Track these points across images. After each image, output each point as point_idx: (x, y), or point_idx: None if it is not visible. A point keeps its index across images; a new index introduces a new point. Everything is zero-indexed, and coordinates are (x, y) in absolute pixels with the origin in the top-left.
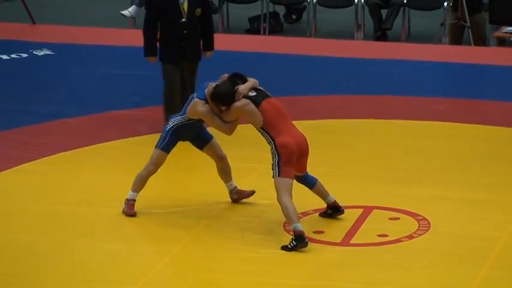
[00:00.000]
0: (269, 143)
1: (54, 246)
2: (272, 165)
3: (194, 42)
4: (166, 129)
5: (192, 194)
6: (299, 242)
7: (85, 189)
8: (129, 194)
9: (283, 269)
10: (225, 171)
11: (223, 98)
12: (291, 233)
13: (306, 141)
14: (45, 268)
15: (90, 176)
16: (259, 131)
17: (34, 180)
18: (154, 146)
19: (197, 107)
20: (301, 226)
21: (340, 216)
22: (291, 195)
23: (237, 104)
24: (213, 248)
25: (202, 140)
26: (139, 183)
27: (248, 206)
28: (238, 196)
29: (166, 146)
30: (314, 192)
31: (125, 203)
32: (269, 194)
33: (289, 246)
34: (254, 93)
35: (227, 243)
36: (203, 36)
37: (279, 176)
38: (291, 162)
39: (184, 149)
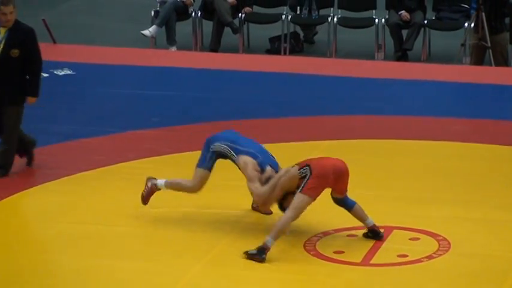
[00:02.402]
0: (306, 174)
1: (72, 266)
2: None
3: (9, 85)
4: (212, 150)
5: (212, 211)
6: (259, 254)
7: (105, 209)
8: (159, 182)
9: None
10: None
11: None
12: (312, 253)
13: (344, 164)
14: (64, 287)
15: (109, 196)
16: (300, 176)
17: (53, 199)
18: (176, 165)
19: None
20: (272, 245)
21: (359, 237)
22: (298, 215)
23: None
24: (233, 267)
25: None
26: (176, 187)
27: (267, 226)
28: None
29: (209, 165)
30: (352, 214)
31: (147, 185)
32: None
33: (249, 252)
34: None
35: (247, 263)
36: (28, 81)
37: (300, 191)
38: (319, 182)
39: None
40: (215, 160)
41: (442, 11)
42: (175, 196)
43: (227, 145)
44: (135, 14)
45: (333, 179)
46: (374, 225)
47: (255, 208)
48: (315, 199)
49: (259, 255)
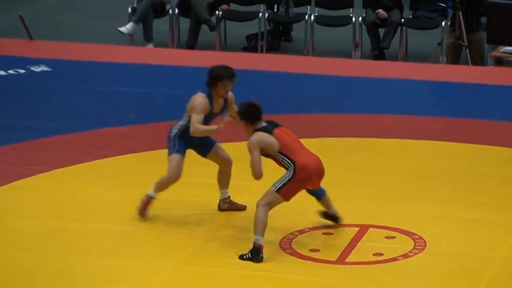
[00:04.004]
0: (288, 167)
1: (50, 263)
2: (280, 178)
3: None
4: (172, 136)
5: (189, 210)
6: (254, 256)
7: (81, 205)
8: (149, 191)
9: (278, 287)
10: (226, 176)
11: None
12: (287, 251)
13: (322, 163)
14: (41, 285)
15: (87, 193)
16: (277, 158)
17: (30, 196)
18: (153, 162)
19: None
20: (263, 241)
21: (335, 235)
22: (269, 210)
23: (251, 139)
24: (208, 265)
25: (206, 145)
26: (161, 186)
27: (242, 224)
28: (228, 207)
29: (179, 149)
30: (321, 203)
31: (142, 200)
32: None
33: (244, 256)
34: (264, 124)
35: (222, 260)
36: None
37: (277, 191)
38: (301, 186)
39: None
40: (182, 144)
41: (419, 10)
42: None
43: (180, 125)
44: (112, 10)
45: (314, 182)
46: (337, 213)
47: (222, 208)
48: (288, 200)
49: (255, 255)
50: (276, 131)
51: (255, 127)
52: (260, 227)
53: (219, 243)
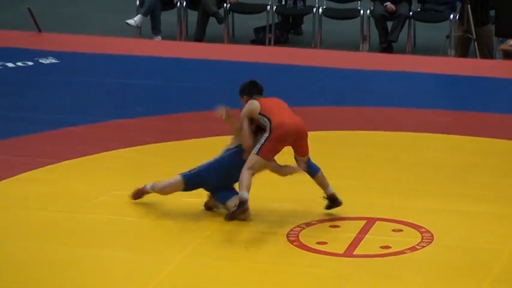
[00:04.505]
0: (266, 127)
1: (57, 255)
2: (260, 140)
3: None
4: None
5: (195, 204)
6: (240, 207)
7: (88, 197)
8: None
9: (285, 280)
10: None
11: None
12: (295, 244)
13: (303, 124)
14: (47, 276)
15: (94, 185)
16: (259, 119)
17: (38, 188)
18: (161, 154)
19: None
20: (248, 196)
21: (343, 227)
22: (254, 173)
23: (243, 110)
24: (215, 258)
25: None
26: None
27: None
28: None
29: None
30: (315, 180)
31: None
32: (271, 205)
33: (229, 212)
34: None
35: (229, 253)
36: None
37: (256, 153)
38: (278, 144)
39: (190, 156)
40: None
41: (427, 3)
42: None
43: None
44: (120, 3)
45: (292, 141)
46: (334, 193)
47: (207, 207)
48: (270, 160)
49: (240, 206)
50: (261, 98)
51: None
52: (244, 185)
53: (226, 236)
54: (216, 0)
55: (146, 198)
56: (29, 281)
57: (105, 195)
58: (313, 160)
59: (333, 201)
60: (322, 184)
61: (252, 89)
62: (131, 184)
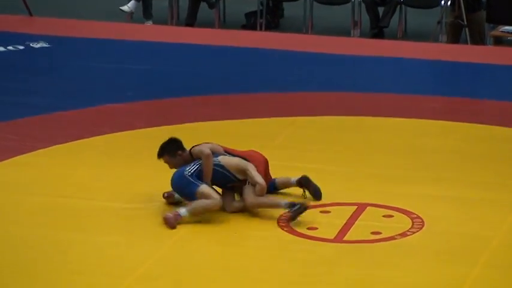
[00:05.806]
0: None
1: (49, 239)
2: None
3: None
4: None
5: None
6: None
7: (79, 182)
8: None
9: (275, 265)
10: None
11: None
12: (285, 229)
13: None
14: (40, 260)
15: (85, 169)
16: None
17: (29, 172)
18: (152, 138)
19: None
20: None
21: (333, 213)
22: None
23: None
24: (206, 242)
25: None
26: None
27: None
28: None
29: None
30: (280, 187)
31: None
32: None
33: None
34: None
35: (220, 238)
36: None
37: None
38: None
39: None
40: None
41: None
42: (156, 179)
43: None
44: None
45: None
46: (299, 178)
47: (166, 197)
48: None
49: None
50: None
51: (184, 151)
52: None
53: (217, 221)
54: None
55: (139, 186)
56: (20, 264)
57: (96, 180)
58: (305, 146)
59: (306, 181)
60: (286, 182)
61: (180, 144)
62: (122, 169)
